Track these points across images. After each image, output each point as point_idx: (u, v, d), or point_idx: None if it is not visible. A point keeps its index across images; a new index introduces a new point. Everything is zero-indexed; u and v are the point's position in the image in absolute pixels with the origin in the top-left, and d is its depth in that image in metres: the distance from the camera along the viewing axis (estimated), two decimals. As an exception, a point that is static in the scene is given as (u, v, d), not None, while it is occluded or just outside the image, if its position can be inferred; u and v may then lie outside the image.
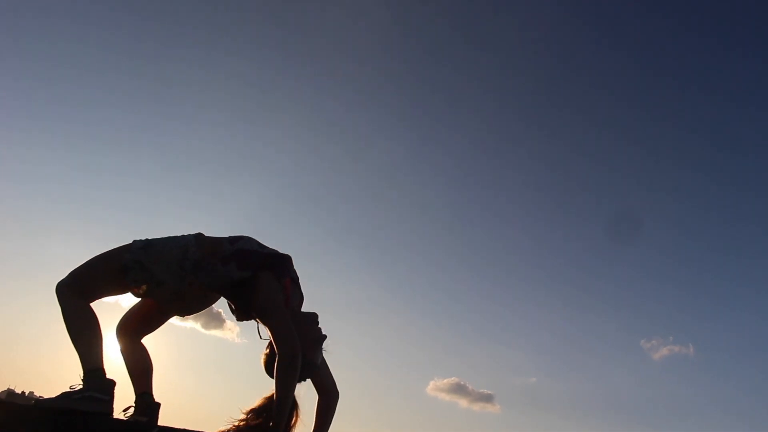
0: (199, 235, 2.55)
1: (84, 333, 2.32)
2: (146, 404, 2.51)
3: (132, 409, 2.48)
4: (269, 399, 2.45)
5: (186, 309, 2.66)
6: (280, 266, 2.52)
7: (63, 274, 2.39)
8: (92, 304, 2.38)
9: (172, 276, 2.41)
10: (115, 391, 2.29)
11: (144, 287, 2.42)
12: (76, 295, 2.36)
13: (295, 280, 2.64)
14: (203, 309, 2.71)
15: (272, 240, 2.65)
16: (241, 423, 2.42)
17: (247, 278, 2.44)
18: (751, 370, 17.44)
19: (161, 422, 2.49)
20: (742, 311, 17.92)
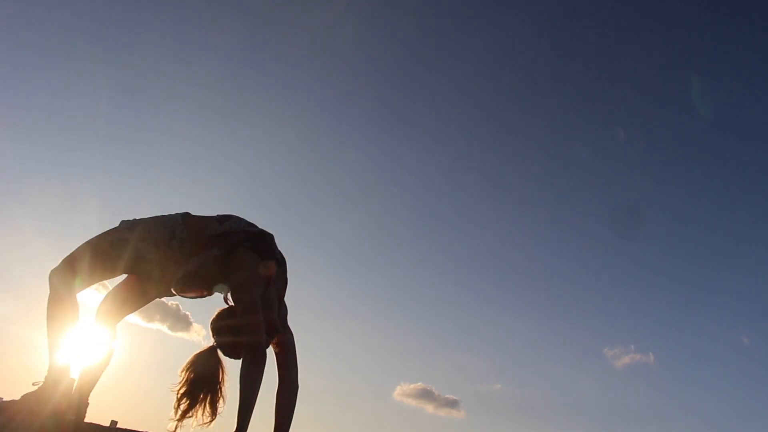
0: (187, 215, 2.54)
1: (60, 326, 2.30)
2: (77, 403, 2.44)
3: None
4: (196, 355, 2.48)
5: (170, 289, 2.60)
6: (266, 248, 2.50)
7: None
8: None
9: (159, 254, 2.40)
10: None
11: (131, 265, 2.41)
12: (67, 282, 2.35)
13: (280, 261, 2.62)
14: None
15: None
16: (181, 384, 2.43)
17: (229, 255, 2.40)
18: (706, 377, 18.01)
19: (122, 424, 2.48)
20: (699, 321, 18.49)
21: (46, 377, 2.25)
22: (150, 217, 2.50)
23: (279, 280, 2.61)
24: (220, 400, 2.46)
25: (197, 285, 2.51)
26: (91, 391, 2.49)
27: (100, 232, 2.46)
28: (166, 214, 2.53)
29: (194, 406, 2.43)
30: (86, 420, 2.42)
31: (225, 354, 2.50)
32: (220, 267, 2.44)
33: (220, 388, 2.47)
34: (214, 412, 2.44)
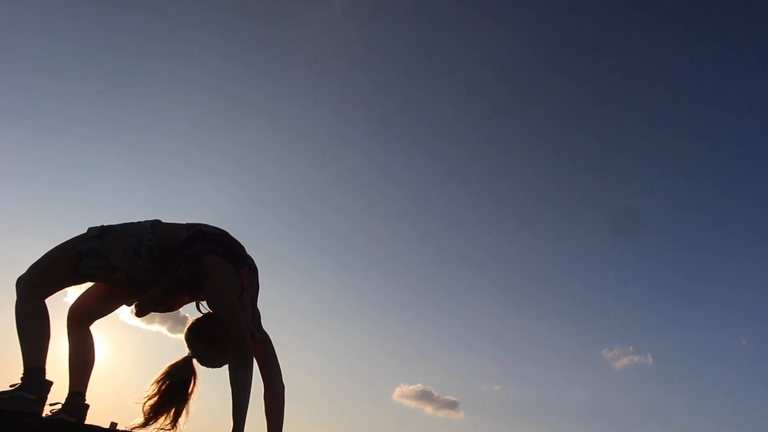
0: (156, 222, 2.51)
1: (31, 330, 2.30)
2: (75, 405, 2.44)
3: (59, 406, 2.40)
4: (171, 366, 2.45)
5: (139, 296, 2.57)
6: (237, 256, 2.48)
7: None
8: (49, 301, 2.35)
9: (128, 263, 2.37)
10: (48, 392, 2.27)
11: (98, 274, 2.38)
12: (34, 289, 2.34)
13: (252, 267, 2.61)
14: None
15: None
16: (152, 395, 2.40)
17: (198, 257, 2.37)
18: (704, 379, 18.07)
19: (122, 425, 2.47)
20: (698, 322, 18.56)
21: (21, 378, 2.26)
22: (118, 225, 2.47)
23: (252, 286, 2.59)
24: (184, 414, 2.44)
25: (163, 306, 2.48)
26: (84, 392, 2.49)
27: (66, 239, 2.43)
28: (135, 221, 2.51)
29: (160, 415, 2.41)
30: (86, 422, 2.41)
31: (203, 364, 2.47)
32: (194, 273, 2.41)
33: (188, 402, 2.45)
34: (174, 425, 2.42)
